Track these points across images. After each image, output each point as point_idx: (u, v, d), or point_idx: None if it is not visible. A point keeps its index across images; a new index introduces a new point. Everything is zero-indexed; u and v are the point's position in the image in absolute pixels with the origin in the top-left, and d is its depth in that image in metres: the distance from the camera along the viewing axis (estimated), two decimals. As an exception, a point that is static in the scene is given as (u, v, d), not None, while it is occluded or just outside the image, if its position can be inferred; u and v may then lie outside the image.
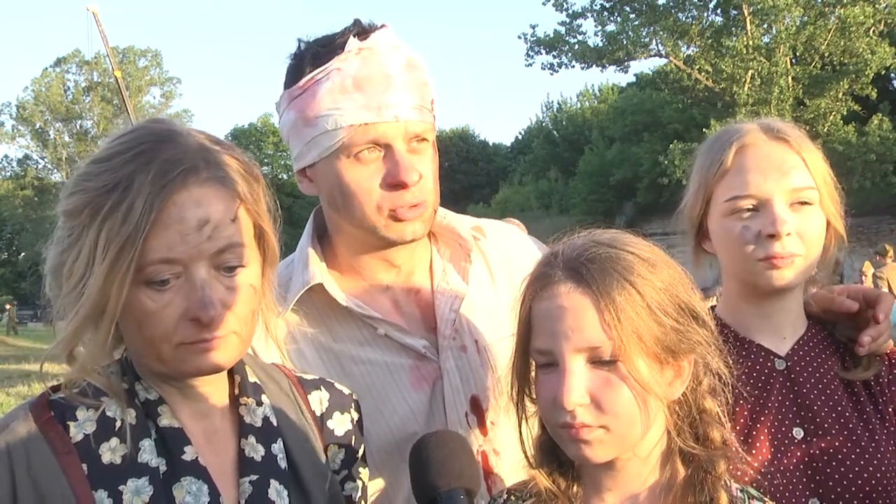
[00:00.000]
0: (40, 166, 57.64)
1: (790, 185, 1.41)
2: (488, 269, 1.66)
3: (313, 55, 1.45)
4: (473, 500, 1.12)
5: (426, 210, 1.48)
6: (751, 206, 1.42)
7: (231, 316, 1.07)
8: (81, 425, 1.06)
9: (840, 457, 1.40)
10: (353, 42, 1.43)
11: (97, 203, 1.01)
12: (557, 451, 1.18)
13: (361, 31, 1.46)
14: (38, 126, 56.44)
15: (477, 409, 1.54)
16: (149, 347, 1.06)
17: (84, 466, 1.03)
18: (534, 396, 1.20)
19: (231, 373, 1.20)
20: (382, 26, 1.49)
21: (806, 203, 1.42)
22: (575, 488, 1.20)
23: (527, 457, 1.24)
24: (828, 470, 1.39)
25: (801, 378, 1.47)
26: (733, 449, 1.19)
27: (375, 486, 1.48)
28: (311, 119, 1.42)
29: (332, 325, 1.52)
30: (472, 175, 51.42)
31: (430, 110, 1.49)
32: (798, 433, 1.43)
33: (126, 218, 0.99)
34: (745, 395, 1.38)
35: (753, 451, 1.40)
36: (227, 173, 1.08)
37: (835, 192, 1.47)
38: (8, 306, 35.71)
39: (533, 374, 1.19)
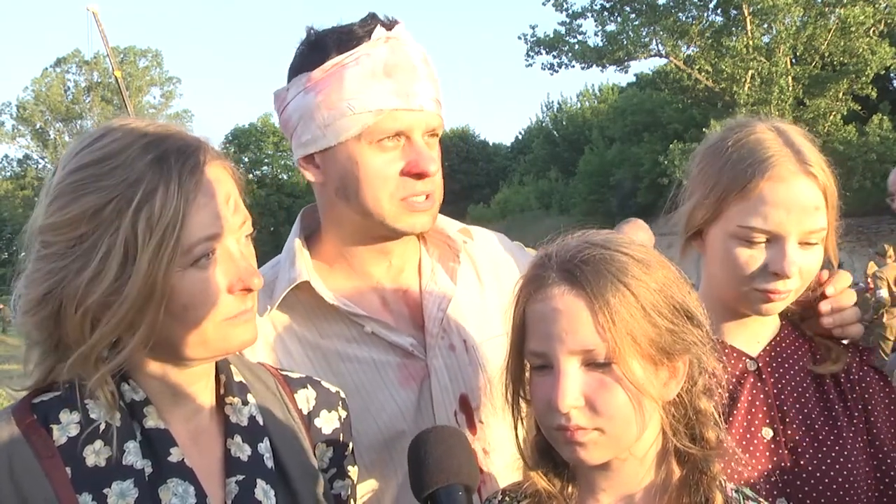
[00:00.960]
0: (40, 166, 57.71)
1: (808, 228, 1.40)
2: (475, 270, 1.67)
3: (337, 40, 1.44)
4: (471, 497, 1.11)
5: (435, 203, 1.50)
6: (764, 240, 1.41)
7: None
8: (65, 428, 1.05)
9: (807, 456, 1.41)
10: (380, 30, 1.44)
11: (125, 196, 1.00)
12: (552, 453, 1.17)
13: (383, 22, 1.47)
14: (38, 126, 56.57)
15: (466, 407, 1.54)
16: (193, 331, 1.06)
17: (68, 470, 1.02)
18: (528, 398, 1.19)
19: (217, 372, 1.19)
20: (398, 22, 1.49)
21: (814, 244, 1.42)
22: (570, 489, 1.19)
23: (523, 458, 1.23)
24: (795, 469, 1.41)
25: (772, 379, 1.48)
26: (729, 449, 1.18)
27: (364, 486, 1.47)
28: (333, 102, 1.41)
29: (318, 323, 1.51)
30: (472, 175, 51.44)
31: (441, 106, 1.51)
32: (767, 433, 1.43)
33: (164, 203, 1.00)
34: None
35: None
36: (219, 151, 1.12)
37: (836, 214, 1.46)
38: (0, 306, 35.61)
39: (527, 375, 1.18)
